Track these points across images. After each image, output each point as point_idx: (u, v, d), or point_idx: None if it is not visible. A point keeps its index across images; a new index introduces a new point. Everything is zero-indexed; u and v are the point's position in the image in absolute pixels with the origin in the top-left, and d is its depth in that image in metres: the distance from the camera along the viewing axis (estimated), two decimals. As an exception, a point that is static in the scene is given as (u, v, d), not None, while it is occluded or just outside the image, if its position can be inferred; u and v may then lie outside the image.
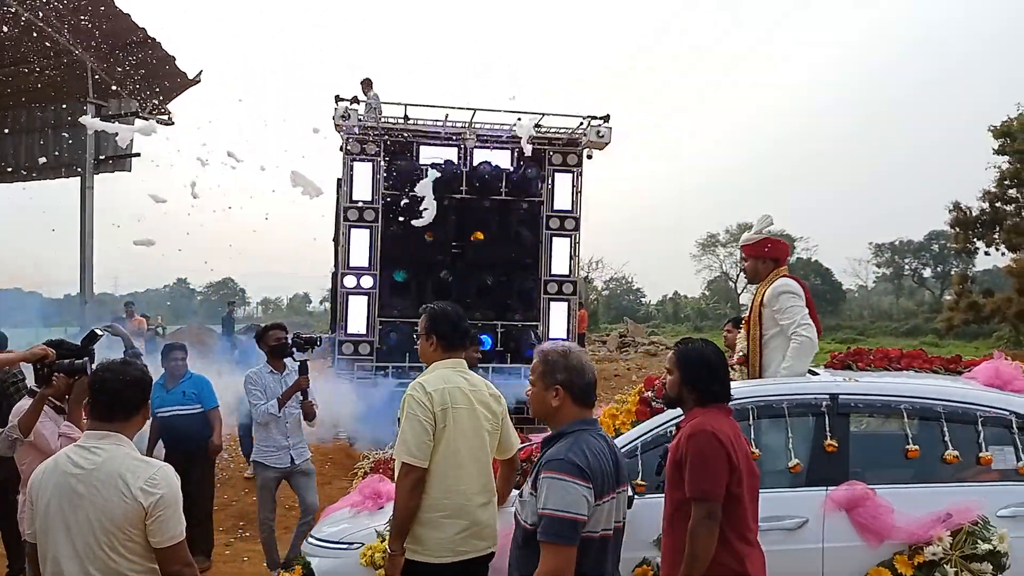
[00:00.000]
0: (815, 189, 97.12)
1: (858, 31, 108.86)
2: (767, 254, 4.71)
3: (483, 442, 3.48)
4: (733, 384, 4.15)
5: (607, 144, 9.74)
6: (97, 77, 11.16)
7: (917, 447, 3.81)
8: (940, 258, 57.21)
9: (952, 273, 44.05)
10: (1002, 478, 3.80)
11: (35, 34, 10.41)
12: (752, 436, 3.84)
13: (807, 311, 4.54)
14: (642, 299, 63.30)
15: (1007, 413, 3.86)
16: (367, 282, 9.73)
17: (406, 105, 9.71)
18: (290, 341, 5.70)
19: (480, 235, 9.89)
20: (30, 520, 2.76)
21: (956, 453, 3.77)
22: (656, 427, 4.02)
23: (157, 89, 11.86)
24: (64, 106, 12.00)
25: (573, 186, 10.07)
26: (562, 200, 10.04)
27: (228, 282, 69.38)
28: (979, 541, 3.56)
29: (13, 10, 9.73)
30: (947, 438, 3.81)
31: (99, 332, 4.45)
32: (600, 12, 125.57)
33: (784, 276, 4.65)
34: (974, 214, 30.84)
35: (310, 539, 4.12)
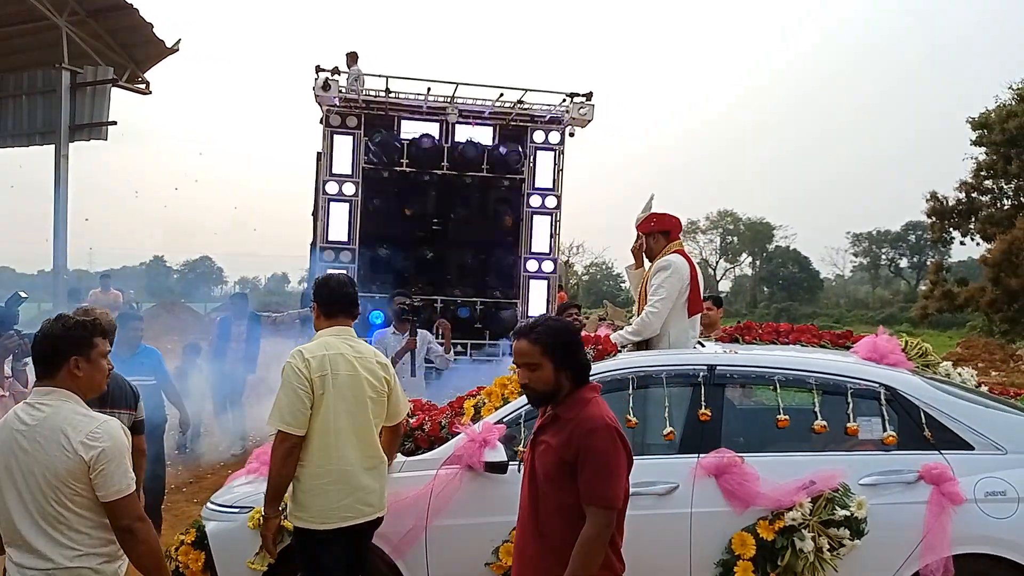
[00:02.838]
0: (795, 178, 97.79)
1: (837, 18, 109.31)
2: (655, 227, 4.77)
3: (365, 409, 3.50)
4: (621, 357, 4.32)
5: (589, 122, 9.70)
6: (72, 43, 10.93)
7: (787, 417, 3.92)
8: (917, 248, 57.94)
9: (928, 263, 44.58)
10: (869, 447, 3.93)
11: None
12: (631, 405, 3.96)
13: (675, 292, 4.53)
14: (622, 284, 63.43)
15: (876, 385, 3.98)
16: (346, 257, 9.63)
17: (388, 78, 9.60)
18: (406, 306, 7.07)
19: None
20: None
21: (824, 423, 3.89)
22: None
23: (134, 57, 11.68)
24: (39, 72, 11.77)
25: (555, 164, 10.01)
26: (543, 178, 9.97)
27: (205, 260, 68.84)
28: (837, 507, 3.67)
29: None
30: (817, 408, 3.93)
31: (23, 295, 4.61)
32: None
33: (673, 252, 4.68)
34: (951, 204, 31.22)
35: (209, 504, 4.15)
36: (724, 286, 63.07)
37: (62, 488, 2.56)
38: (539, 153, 9.95)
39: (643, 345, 4.59)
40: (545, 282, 10.04)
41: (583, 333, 4.70)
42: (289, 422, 3.34)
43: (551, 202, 9.98)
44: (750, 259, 63.27)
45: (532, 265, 9.98)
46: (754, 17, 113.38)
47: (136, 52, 11.88)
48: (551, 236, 10.05)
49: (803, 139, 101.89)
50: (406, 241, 9.95)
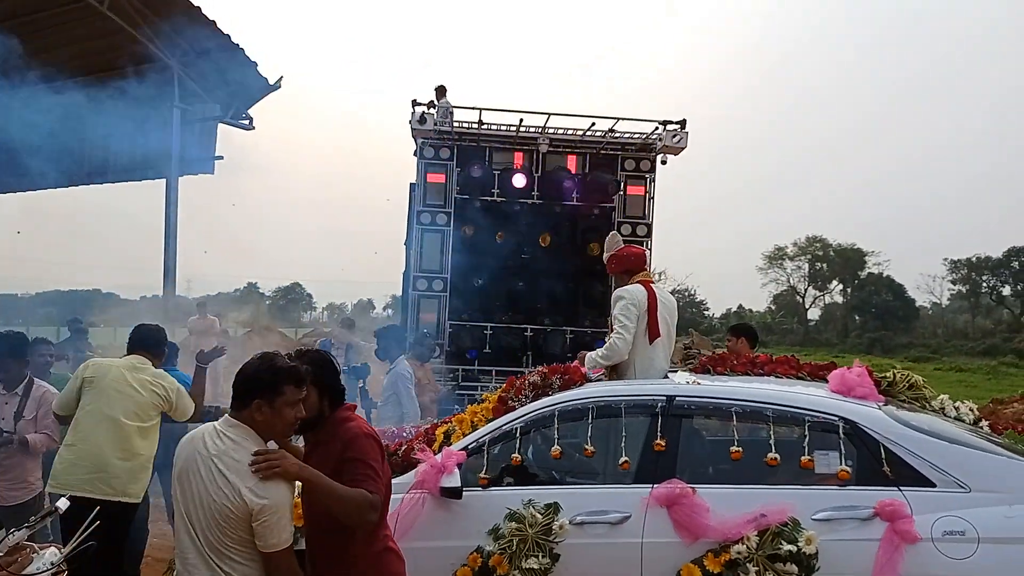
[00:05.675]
0: (888, 202, 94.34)
1: (930, 33, 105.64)
2: (614, 270, 5.18)
3: (126, 411, 4.67)
4: (586, 387, 4.48)
5: (683, 149, 9.65)
6: (182, 82, 11.57)
7: (740, 449, 3.92)
8: (1021, 275, 55.00)
9: (1034, 291, 42.27)
10: (829, 482, 3.83)
11: (127, 42, 10.90)
12: (589, 434, 4.06)
13: (633, 319, 4.77)
14: (705, 312, 62.34)
15: (835, 418, 3.91)
16: (438, 286, 9.84)
17: (480, 110, 9.79)
18: None
19: (548, 238, 9.89)
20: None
21: (777, 456, 3.84)
22: (505, 424, 4.25)
23: (239, 94, 12.27)
24: (151, 111, 12.49)
25: (646, 192, 9.99)
26: (634, 206, 9.98)
27: (296, 287, 70.94)
28: (784, 542, 3.59)
29: (108, 19, 10.20)
30: (772, 441, 3.89)
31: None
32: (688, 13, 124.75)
33: (633, 284, 4.95)
34: (1060, 229, 29.62)
35: None
36: (813, 314, 61.23)
37: (221, 523, 2.63)
38: (630, 181, 9.96)
39: (613, 374, 4.81)
40: (636, 311, 9.97)
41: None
42: (59, 405, 4.95)
43: (642, 230, 9.95)
44: (840, 286, 61.27)
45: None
46: (844, 38, 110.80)
47: (241, 90, 12.49)
48: (642, 265, 9.97)
49: (897, 161, 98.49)
50: (497, 270, 10.06)
